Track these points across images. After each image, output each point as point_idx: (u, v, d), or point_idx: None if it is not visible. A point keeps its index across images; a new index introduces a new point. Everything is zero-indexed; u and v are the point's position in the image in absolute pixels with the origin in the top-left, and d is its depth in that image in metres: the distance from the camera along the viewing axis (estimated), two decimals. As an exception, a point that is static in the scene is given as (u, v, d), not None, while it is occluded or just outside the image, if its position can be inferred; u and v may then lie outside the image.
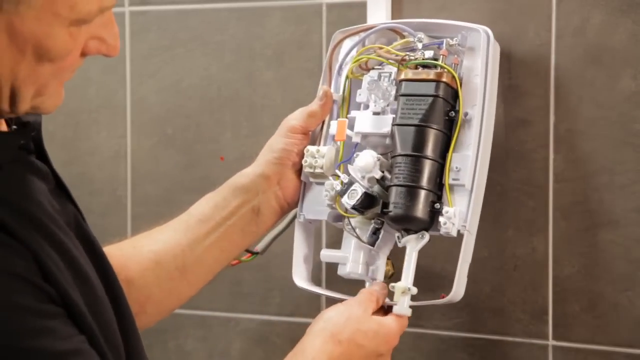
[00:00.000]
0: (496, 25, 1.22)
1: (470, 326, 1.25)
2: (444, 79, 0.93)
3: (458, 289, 0.97)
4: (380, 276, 1.00)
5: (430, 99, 0.92)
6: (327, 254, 1.03)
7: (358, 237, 0.96)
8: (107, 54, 0.74)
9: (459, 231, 0.95)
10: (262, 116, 1.34)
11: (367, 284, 1.02)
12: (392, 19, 1.26)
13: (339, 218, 1.03)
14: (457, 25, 0.96)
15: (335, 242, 1.14)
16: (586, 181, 1.19)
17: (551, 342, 1.22)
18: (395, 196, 0.93)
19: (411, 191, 0.91)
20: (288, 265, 1.13)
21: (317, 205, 1.02)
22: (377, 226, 0.96)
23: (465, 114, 0.93)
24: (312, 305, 1.29)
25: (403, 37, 1.02)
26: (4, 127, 0.77)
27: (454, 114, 0.93)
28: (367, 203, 0.95)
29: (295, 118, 1.02)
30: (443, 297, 1.01)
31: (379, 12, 1.26)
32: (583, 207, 1.19)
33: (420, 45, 0.95)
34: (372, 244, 0.96)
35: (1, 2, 0.66)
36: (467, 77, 0.94)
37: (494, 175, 1.24)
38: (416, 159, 0.92)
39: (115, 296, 0.80)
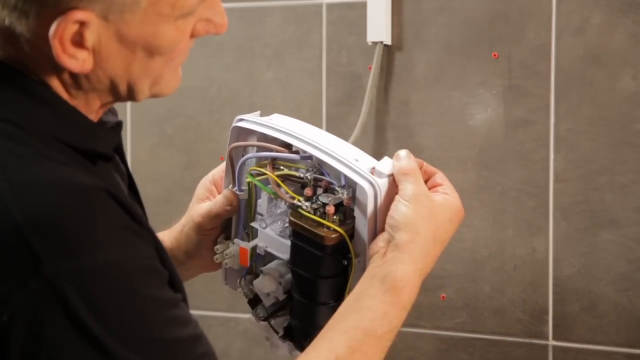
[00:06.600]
0: (496, 25, 1.23)
1: (470, 326, 1.25)
2: (330, 243, 0.86)
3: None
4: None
5: (319, 257, 0.86)
6: (254, 324, 0.98)
7: (275, 331, 0.93)
8: (216, 33, 0.76)
9: None
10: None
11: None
12: (392, 19, 1.26)
13: None
14: (345, 175, 0.85)
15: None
16: (586, 181, 1.19)
17: (551, 342, 1.22)
18: (297, 335, 0.90)
19: (311, 334, 0.87)
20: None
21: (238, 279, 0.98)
22: (290, 325, 0.93)
23: (358, 261, 0.86)
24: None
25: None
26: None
27: (346, 262, 0.87)
28: (277, 311, 0.92)
29: (202, 216, 0.96)
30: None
31: (379, 11, 1.26)
32: (583, 207, 1.19)
33: (309, 176, 0.88)
34: (289, 340, 0.93)
35: (107, 13, 0.68)
36: (358, 221, 0.86)
37: (494, 175, 1.24)
38: (311, 304, 0.88)
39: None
